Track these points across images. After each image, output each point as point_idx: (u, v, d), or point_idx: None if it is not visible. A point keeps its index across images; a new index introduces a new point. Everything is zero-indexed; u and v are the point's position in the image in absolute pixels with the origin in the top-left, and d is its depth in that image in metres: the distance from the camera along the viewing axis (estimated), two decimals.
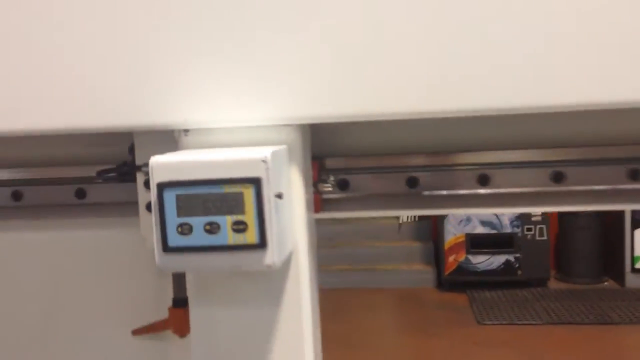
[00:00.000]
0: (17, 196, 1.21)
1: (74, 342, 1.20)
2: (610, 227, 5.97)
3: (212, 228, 0.77)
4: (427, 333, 4.85)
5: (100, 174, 1.08)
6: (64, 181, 1.18)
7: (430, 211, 1.11)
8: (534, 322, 5.01)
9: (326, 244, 6.80)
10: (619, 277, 5.88)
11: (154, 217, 0.78)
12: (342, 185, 1.08)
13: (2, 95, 0.93)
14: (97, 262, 1.20)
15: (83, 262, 1.21)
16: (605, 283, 5.96)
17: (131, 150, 1.02)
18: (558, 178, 1.08)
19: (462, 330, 4.86)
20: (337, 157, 1.08)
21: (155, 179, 0.78)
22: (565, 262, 6.12)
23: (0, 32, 0.93)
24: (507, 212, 5.60)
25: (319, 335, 0.96)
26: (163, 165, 0.79)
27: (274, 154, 0.80)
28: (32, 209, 1.21)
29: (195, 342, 0.89)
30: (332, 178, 1.07)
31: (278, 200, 0.79)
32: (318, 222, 0.99)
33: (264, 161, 0.77)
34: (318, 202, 1.04)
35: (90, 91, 0.92)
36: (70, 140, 1.13)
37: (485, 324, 4.97)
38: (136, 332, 1.04)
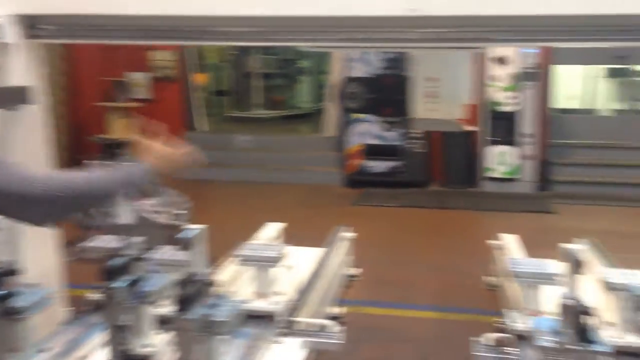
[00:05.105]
0: None
1: None
2: (474, 144, 7.82)
3: None
4: (312, 208, 6.86)
5: None
6: None
7: None
8: (395, 205, 6.98)
9: (265, 150, 8.74)
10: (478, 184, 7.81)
11: None
12: None
13: None
14: None
15: None
16: (469, 189, 7.84)
17: None
18: None
19: (338, 209, 6.83)
20: None
21: None
22: (444, 172, 8.00)
23: None
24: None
25: None
26: None
27: None
28: None
29: None
30: None
31: None
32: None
33: None
34: None
35: None
36: None
37: (358, 205, 7.00)
38: None
